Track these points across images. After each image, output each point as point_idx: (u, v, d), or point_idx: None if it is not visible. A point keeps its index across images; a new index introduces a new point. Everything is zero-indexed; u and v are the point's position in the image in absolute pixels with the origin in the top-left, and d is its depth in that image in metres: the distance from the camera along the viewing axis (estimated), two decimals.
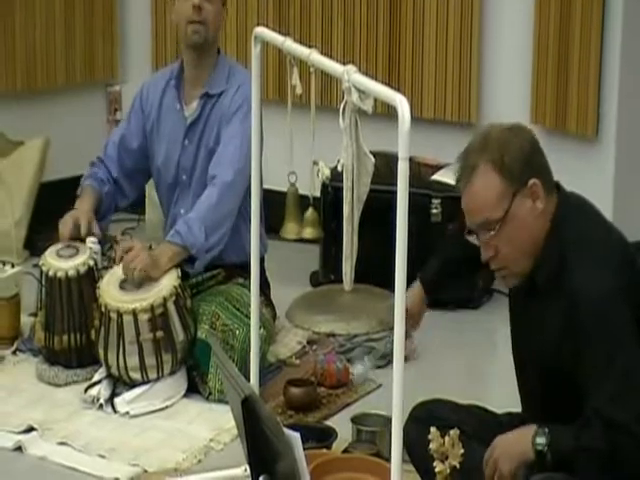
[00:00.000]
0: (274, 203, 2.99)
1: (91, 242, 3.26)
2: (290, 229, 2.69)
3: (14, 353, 3.38)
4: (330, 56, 2.41)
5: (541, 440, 2.16)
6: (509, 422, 2.42)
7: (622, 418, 2.12)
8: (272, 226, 3.01)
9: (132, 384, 3.09)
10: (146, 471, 2.78)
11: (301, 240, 2.76)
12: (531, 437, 2.17)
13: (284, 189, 2.66)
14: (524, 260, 2.24)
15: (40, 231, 3.94)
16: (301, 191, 2.67)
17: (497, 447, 2.24)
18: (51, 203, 3.90)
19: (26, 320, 3.47)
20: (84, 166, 3.54)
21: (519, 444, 2.21)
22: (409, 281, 1.95)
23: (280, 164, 2.67)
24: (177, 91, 3.35)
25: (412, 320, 2.61)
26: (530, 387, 2.36)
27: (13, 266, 3.60)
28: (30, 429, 2.94)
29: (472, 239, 2.27)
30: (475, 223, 2.24)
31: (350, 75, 2.19)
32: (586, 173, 2.41)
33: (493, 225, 2.21)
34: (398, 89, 2.06)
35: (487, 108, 4.03)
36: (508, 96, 3.98)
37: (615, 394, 2.13)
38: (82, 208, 3.30)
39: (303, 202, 2.61)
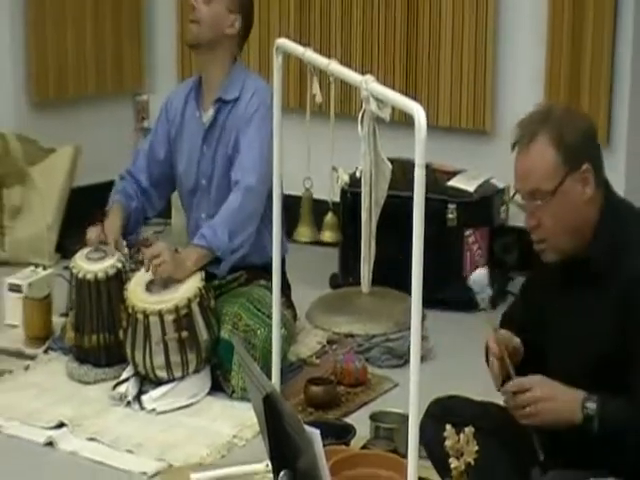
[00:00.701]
0: (289, 207, 3.00)
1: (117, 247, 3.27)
2: (303, 232, 2.70)
3: (46, 352, 3.38)
4: (349, 66, 2.41)
5: (592, 405, 2.12)
6: None
7: None
8: (289, 229, 3.01)
9: (158, 382, 3.09)
10: (172, 466, 2.78)
11: (318, 243, 2.76)
12: (581, 400, 2.13)
13: (299, 194, 2.67)
14: (565, 238, 2.22)
15: (71, 235, 3.96)
16: (319, 196, 2.67)
17: (544, 398, 2.18)
18: (81, 208, 3.92)
19: (57, 320, 3.47)
20: (113, 172, 3.56)
21: (569, 404, 2.16)
22: (425, 283, 1.94)
23: (298, 170, 2.68)
24: (196, 100, 3.36)
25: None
26: (573, 371, 2.29)
27: (45, 268, 3.63)
28: (61, 425, 2.95)
29: (517, 199, 2.25)
30: (524, 190, 2.22)
31: (368, 84, 2.19)
32: None
33: (541, 196, 2.18)
34: (415, 98, 2.07)
35: (501, 116, 4.02)
36: (521, 105, 3.92)
37: None
38: (111, 228, 3.29)
39: (318, 206, 2.61)
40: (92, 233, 3.27)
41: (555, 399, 2.19)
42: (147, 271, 3.11)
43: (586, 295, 2.23)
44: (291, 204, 2.91)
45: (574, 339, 2.28)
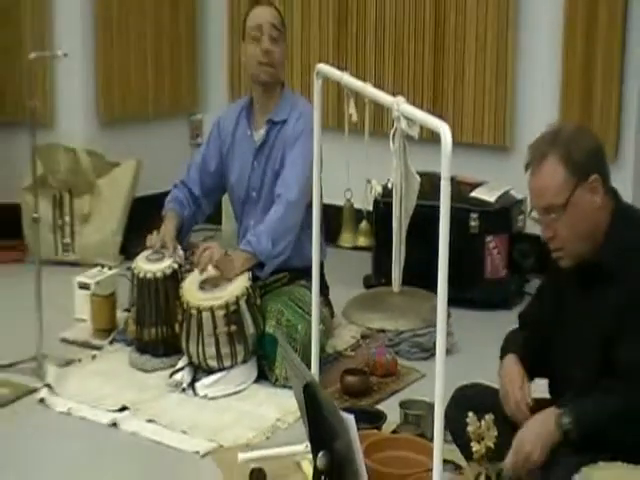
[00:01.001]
0: (332, 216, 2.99)
1: (173, 250, 3.28)
2: (346, 238, 2.72)
3: (110, 343, 3.41)
4: (382, 88, 2.40)
5: (566, 420, 2.11)
6: (540, 405, 2.39)
7: None
8: (330, 236, 3.01)
9: (210, 371, 3.10)
10: (222, 446, 2.79)
11: (356, 248, 2.76)
12: (555, 419, 2.12)
13: (341, 203, 2.66)
14: (580, 245, 2.20)
15: (133, 239, 3.98)
16: (355, 205, 2.67)
17: (525, 442, 2.17)
18: (142, 215, 3.95)
19: (120, 315, 3.49)
20: (169, 183, 3.57)
21: (545, 432, 2.15)
22: (449, 284, 1.94)
23: (337, 182, 2.68)
24: (247, 120, 3.36)
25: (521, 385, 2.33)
26: (584, 353, 2.28)
27: (110, 269, 3.66)
28: (123, 408, 2.97)
29: (534, 215, 2.24)
30: (539, 206, 2.21)
31: (399, 105, 2.18)
32: None
33: (555, 210, 2.18)
34: (441, 117, 2.05)
35: (520, 133, 3.99)
36: (538, 124, 3.88)
37: None
38: (168, 232, 3.31)
39: (357, 215, 2.62)
40: (151, 238, 3.29)
41: (534, 438, 2.15)
42: (200, 270, 3.12)
43: (599, 294, 2.21)
44: (332, 213, 2.91)
45: (588, 335, 2.25)
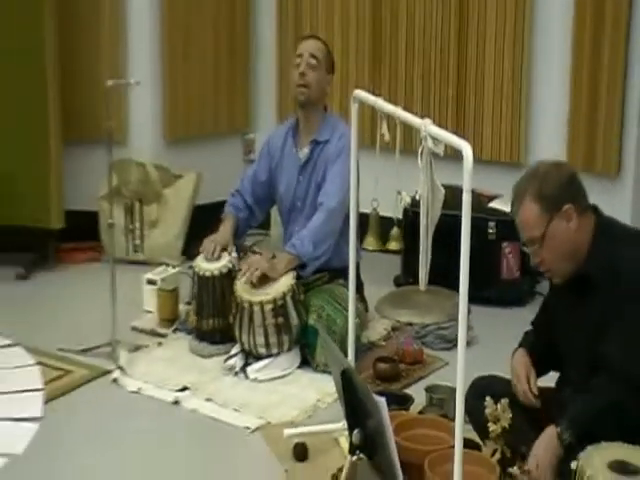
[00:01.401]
0: (361, 225, 2.98)
1: (228, 253, 3.29)
2: (370, 242, 2.70)
3: (174, 332, 3.42)
4: (411, 111, 2.38)
5: (566, 436, 2.08)
6: (545, 394, 2.37)
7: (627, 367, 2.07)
8: (361, 241, 2.99)
9: (259, 357, 3.11)
10: (269, 423, 2.80)
11: (387, 251, 2.75)
12: (557, 437, 2.09)
13: (368, 211, 2.65)
14: (565, 265, 2.19)
15: (193, 242, 3.97)
16: (387, 214, 2.66)
17: (537, 464, 2.14)
18: (202, 221, 3.94)
19: (182, 307, 3.50)
20: (225, 194, 3.58)
21: (551, 455, 2.12)
22: (470, 284, 1.92)
23: (366, 194, 2.66)
24: (294, 139, 3.36)
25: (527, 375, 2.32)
26: (577, 356, 2.27)
27: (174, 267, 3.67)
28: (184, 388, 2.99)
29: (525, 249, 2.25)
30: (524, 238, 2.22)
31: (426, 126, 2.17)
32: (609, 206, 2.36)
33: (536, 241, 2.18)
34: (463, 136, 2.04)
35: (532, 152, 3.94)
36: (549, 144, 3.91)
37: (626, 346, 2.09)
38: (224, 234, 3.33)
39: (385, 222, 2.60)
40: (209, 245, 3.29)
41: (544, 459, 2.12)
42: (240, 277, 3.12)
43: (588, 304, 2.19)
44: (360, 220, 2.91)
45: (580, 340, 2.23)
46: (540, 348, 2.39)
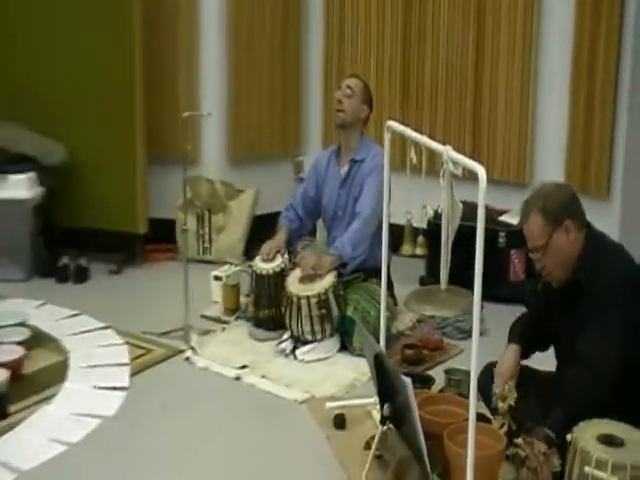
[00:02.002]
0: (395, 232, 2.97)
1: (283, 253, 3.31)
2: (406, 249, 2.67)
3: (235, 319, 3.44)
4: (434, 138, 2.39)
5: (552, 434, 2.05)
6: (548, 377, 2.35)
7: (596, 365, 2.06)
8: (394, 247, 2.98)
9: (305, 342, 3.11)
10: (313, 397, 2.80)
11: (414, 256, 2.74)
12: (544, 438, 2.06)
13: (402, 222, 2.64)
14: (562, 270, 2.19)
15: (253, 245, 4.01)
16: (414, 224, 2.65)
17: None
18: (259, 228, 3.98)
19: (243, 299, 3.52)
20: (278, 206, 3.60)
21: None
22: (483, 284, 1.91)
23: (400, 208, 2.65)
24: (336, 159, 3.38)
25: (508, 379, 2.29)
26: (568, 348, 2.25)
27: (236, 266, 3.68)
28: (244, 367, 3.00)
29: (531, 255, 2.23)
30: (530, 247, 2.21)
31: (448, 151, 2.18)
32: (600, 223, 2.34)
33: (540, 249, 2.17)
34: (478, 160, 2.04)
35: (535, 174, 3.91)
36: (550, 168, 3.86)
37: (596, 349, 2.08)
38: (279, 241, 3.35)
39: (415, 232, 2.59)
40: (266, 245, 3.33)
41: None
42: (299, 270, 3.14)
43: (578, 307, 2.17)
44: (396, 230, 2.90)
45: (571, 340, 2.21)
46: (529, 331, 2.37)
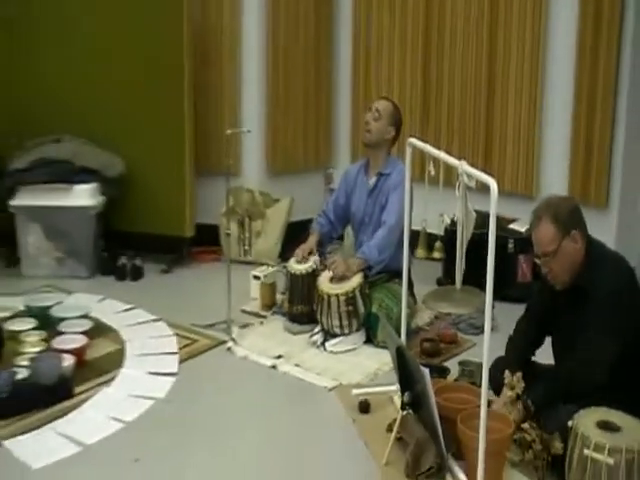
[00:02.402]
0: (412, 237, 2.98)
1: (314, 255, 3.33)
2: (420, 253, 2.65)
3: (272, 314, 3.44)
4: (450, 153, 2.39)
5: (531, 404, 2.11)
6: (549, 370, 2.34)
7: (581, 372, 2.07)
8: (411, 251, 2.98)
9: (334, 335, 3.12)
10: (341, 384, 2.81)
11: (431, 259, 2.74)
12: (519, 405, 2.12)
13: (419, 229, 2.63)
14: (567, 275, 2.18)
15: (287, 248, 4.00)
16: (432, 231, 2.63)
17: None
18: (293, 233, 3.98)
19: (279, 296, 3.52)
20: (311, 214, 3.61)
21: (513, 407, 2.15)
22: (494, 285, 1.91)
23: (417, 216, 2.66)
24: (365, 172, 3.38)
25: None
26: (567, 343, 2.25)
27: (272, 267, 3.69)
28: (279, 356, 3.01)
29: (537, 260, 2.22)
30: (539, 252, 2.19)
31: (462, 166, 2.18)
32: (600, 230, 2.34)
33: (548, 254, 2.16)
34: (490, 173, 2.05)
35: (541, 187, 3.88)
36: (554, 181, 3.83)
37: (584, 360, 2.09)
38: (311, 244, 3.36)
39: (431, 238, 2.57)
40: (301, 251, 3.35)
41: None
42: (330, 272, 3.16)
43: (579, 309, 2.17)
44: (412, 235, 2.90)
45: (572, 338, 2.21)
46: (532, 333, 2.38)
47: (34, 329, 3.09)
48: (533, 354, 2.39)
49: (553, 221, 2.14)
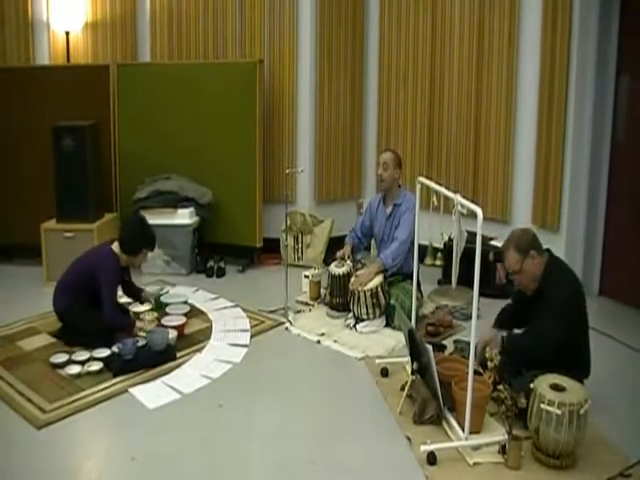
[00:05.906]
0: (421, 249, 2.99)
1: (348, 261, 3.36)
2: (428, 260, 2.66)
3: (318, 304, 3.44)
4: (448, 187, 2.42)
5: (505, 341, 2.15)
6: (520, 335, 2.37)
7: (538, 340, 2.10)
8: (420, 258, 2.99)
9: (363, 320, 3.13)
10: (368, 355, 2.82)
11: (434, 265, 2.77)
12: (499, 336, 2.17)
13: (426, 243, 2.65)
14: (532, 284, 2.22)
15: (329, 256, 3.99)
16: (436, 245, 2.66)
17: (484, 338, 2.21)
18: (334, 245, 3.96)
19: (322, 291, 3.52)
20: (346, 231, 3.61)
21: (494, 337, 2.19)
22: (479, 285, 1.94)
23: (424, 234, 2.67)
24: (383, 203, 3.39)
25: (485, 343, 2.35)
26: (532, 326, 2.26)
27: (318, 269, 3.67)
28: (322, 334, 3.04)
29: (510, 277, 2.28)
30: (509, 270, 2.24)
31: (457, 198, 2.22)
32: (554, 248, 2.37)
33: (516, 272, 2.20)
34: (477, 203, 2.10)
35: (513, 214, 3.83)
36: (522, 210, 3.79)
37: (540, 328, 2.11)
38: (346, 250, 3.38)
39: (434, 250, 2.61)
40: (338, 255, 3.38)
41: (488, 338, 2.20)
42: (359, 287, 3.14)
43: (540, 304, 2.19)
44: (420, 248, 2.92)
45: (535, 319, 2.22)
46: (512, 314, 2.39)
47: (150, 310, 3.22)
48: (514, 326, 2.40)
49: (515, 250, 2.21)
